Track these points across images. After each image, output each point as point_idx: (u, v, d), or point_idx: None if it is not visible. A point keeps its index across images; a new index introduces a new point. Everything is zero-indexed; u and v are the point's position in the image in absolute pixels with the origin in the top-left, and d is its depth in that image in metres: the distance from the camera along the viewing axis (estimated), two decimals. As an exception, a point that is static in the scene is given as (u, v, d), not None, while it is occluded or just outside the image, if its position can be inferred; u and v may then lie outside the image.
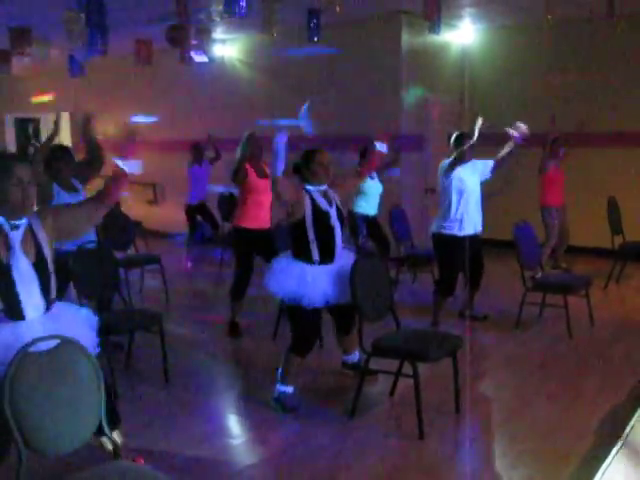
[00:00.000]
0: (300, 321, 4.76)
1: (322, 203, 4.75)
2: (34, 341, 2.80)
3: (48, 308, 3.22)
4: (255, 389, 5.23)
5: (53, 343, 2.87)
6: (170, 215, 11.64)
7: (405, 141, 9.39)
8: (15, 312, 3.07)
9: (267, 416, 4.71)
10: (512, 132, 6.14)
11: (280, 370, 4.84)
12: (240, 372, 5.85)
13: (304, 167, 4.82)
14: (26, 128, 15.47)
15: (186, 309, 7.71)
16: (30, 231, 3.19)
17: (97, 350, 3.32)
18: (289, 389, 4.79)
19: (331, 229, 4.76)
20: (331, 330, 5.29)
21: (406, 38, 9.60)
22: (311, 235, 4.70)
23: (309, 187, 4.79)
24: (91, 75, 10.54)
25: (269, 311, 6.52)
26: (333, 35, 8.90)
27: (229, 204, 9.30)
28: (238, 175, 6.24)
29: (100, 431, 2.93)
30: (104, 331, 3.82)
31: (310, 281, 4.68)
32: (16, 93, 15.00)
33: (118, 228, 7.62)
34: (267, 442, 4.39)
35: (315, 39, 7.85)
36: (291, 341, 4.81)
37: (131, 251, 8.19)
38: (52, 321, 3.16)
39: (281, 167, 4.51)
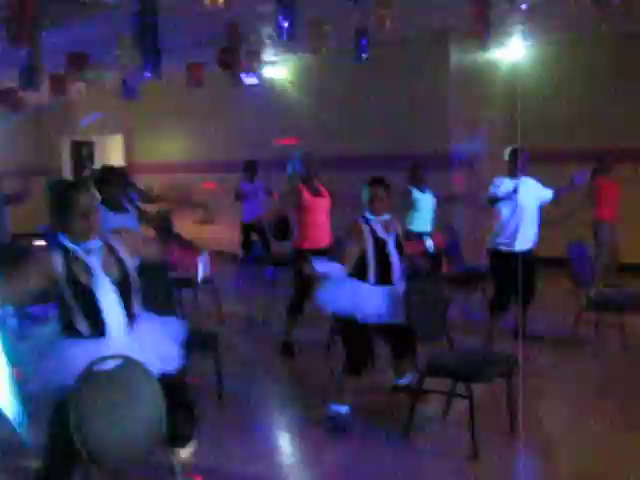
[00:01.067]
0: (352, 338, 4.78)
1: (380, 232, 4.87)
2: (99, 360, 2.91)
3: (130, 323, 3.28)
4: (309, 408, 5.24)
5: (119, 361, 2.97)
6: (223, 234, 11.77)
7: (454, 158, 9.36)
8: (98, 331, 3.15)
9: (321, 435, 4.71)
10: (575, 174, 6.21)
11: (335, 391, 4.86)
12: (294, 391, 5.87)
13: (367, 199, 4.94)
14: (80, 151, 15.82)
15: (239, 328, 7.77)
16: (109, 250, 3.28)
17: (180, 362, 3.39)
18: (343, 409, 4.79)
19: (388, 256, 4.85)
20: (382, 350, 5.29)
21: (455, 56, 9.60)
22: (369, 261, 4.80)
23: (369, 216, 4.92)
24: (144, 98, 10.75)
25: (323, 330, 6.53)
26: (381, 55, 8.93)
27: (281, 223, 9.34)
28: (291, 195, 6.30)
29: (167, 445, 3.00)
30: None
31: (362, 295, 4.73)
32: (71, 117, 15.37)
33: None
34: (322, 462, 4.40)
35: (363, 58, 7.88)
36: (344, 362, 4.82)
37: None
38: (133, 338, 3.23)
39: None
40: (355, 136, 10.07)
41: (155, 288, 5.37)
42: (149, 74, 7.63)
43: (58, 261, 3.13)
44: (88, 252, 3.21)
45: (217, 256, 10.67)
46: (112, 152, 14.97)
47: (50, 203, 3.28)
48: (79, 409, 2.79)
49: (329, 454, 4.48)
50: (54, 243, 3.19)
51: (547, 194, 6.54)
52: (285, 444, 4.82)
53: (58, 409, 2.97)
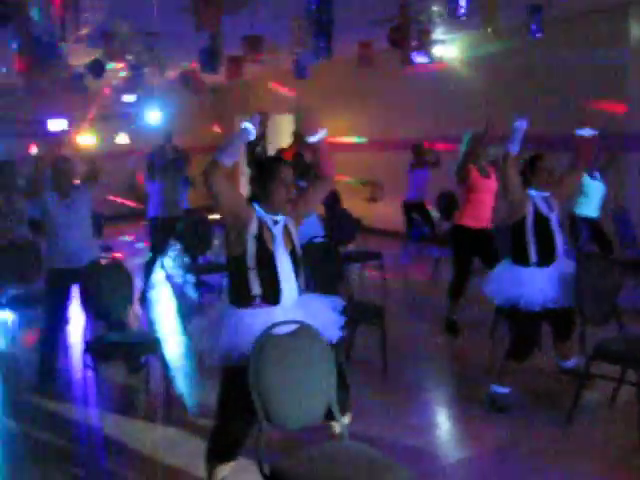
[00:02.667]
0: (519, 326, 4.75)
1: (543, 208, 4.77)
2: (276, 324, 3.12)
3: (299, 295, 3.50)
4: (470, 386, 5.28)
5: (293, 327, 3.18)
6: (388, 213, 11.88)
7: (631, 141, 8.90)
8: (273, 298, 3.37)
9: (480, 414, 4.74)
10: None
11: (497, 371, 4.86)
12: (455, 369, 5.92)
13: (529, 172, 4.83)
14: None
15: (403, 304, 7.88)
16: (286, 227, 3.51)
17: (339, 335, 3.56)
18: (505, 390, 4.78)
19: (551, 233, 4.76)
20: (547, 333, 5.20)
21: (636, 31, 9.08)
22: (530, 237, 4.71)
23: (532, 192, 4.80)
24: (314, 77, 11.01)
25: (487, 311, 6.50)
26: (554, 31, 8.63)
27: (449, 202, 9.36)
28: (460, 173, 6.32)
29: (329, 414, 3.17)
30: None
31: (526, 282, 4.67)
32: (244, 96, 16.02)
33: (340, 224, 7.95)
34: (479, 440, 4.43)
35: (537, 36, 7.66)
36: (509, 346, 4.81)
37: (352, 247, 8.49)
38: (301, 307, 3.44)
39: (516, 148, 4.63)
40: (526, 115, 9.81)
41: (324, 263, 5.61)
42: (321, 54, 7.84)
43: (254, 217, 3.39)
44: (275, 223, 3.44)
45: (381, 234, 10.85)
46: (284, 131, 15.47)
47: (254, 174, 3.55)
48: (258, 371, 3.00)
49: (487, 433, 4.50)
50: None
51: None
52: (445, 420, 4.90)
53: (235, 374, 3.19)
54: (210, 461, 3.46)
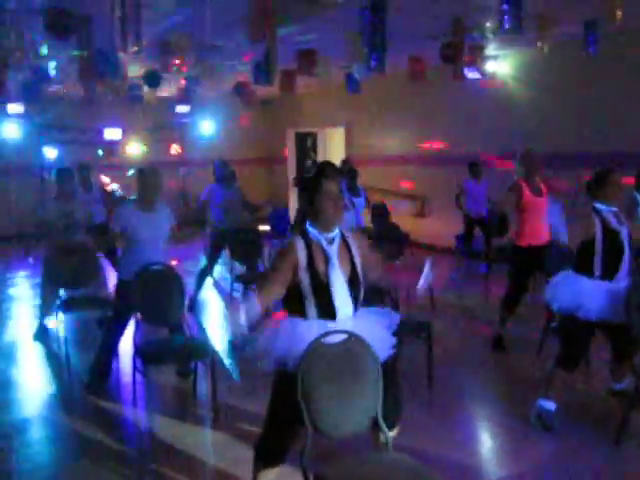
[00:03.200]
0: (571, 334, 4.73)
1: (612, 222, 4.74)
2: (327, 333, 3.17)
3: (355, 313, 3.48)
4: (515, 403, 5.24)
5: (344, 337, 3.22)
6: (436, 228, 11.86)
7: None
8: (328, 316, 3.37)
9: (525, 431, 4.71)
10: None
11: (545, 381, 4.85)
12: (501, 384, 5.88)
13: (595, 186, 4.82)
14: (305, 142, 16.59)
15: (451, 318, 7.85)
16: (344, 244, 3.49)
17: (393, 351, 3.56)
18: (551, 405, 4.74)
19: (620, 248, 4.71)
20: (597, 352, 5.15)
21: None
22: (598, 250, 4.68)
23: (600, 206, 4.78)
24: (365, 92, 11.08)
25: (535, 329, 6.45)
26: (610, 47, 8.52)
27: (500, 219, 9.36)
28: (511, 193, 6.29)
29: (374, 424, 3.19)
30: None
31: (587, 293, 4.64)
32: (297, 109, 16.16)
33: (389, 238, 7.98)
34: (522, 457, 4.40)
35: (592, 51, 7.61)
36: (558, 354, 4.79)
37: (400, 261, 8.50)
38: (355, 321, 3.43)
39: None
40: (579, 133, 9.71)
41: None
42: (374, 69, 7.90)
43: (301, 248, 3.37)
44: (329, 242, 3.42)
45: (430, 250, 10.80)
46: (334, 144, 15.58)
47: (301, 190, 3.52)
48: (307, 378, 3.05)
49: (530, 451, 4.47)
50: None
51: None
52: (488, 436, 4.87)
53: (287, 381, 3.21)
54: (256, 465, 3.52)
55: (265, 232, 9.25)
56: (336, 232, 3.46)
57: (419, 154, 12.91)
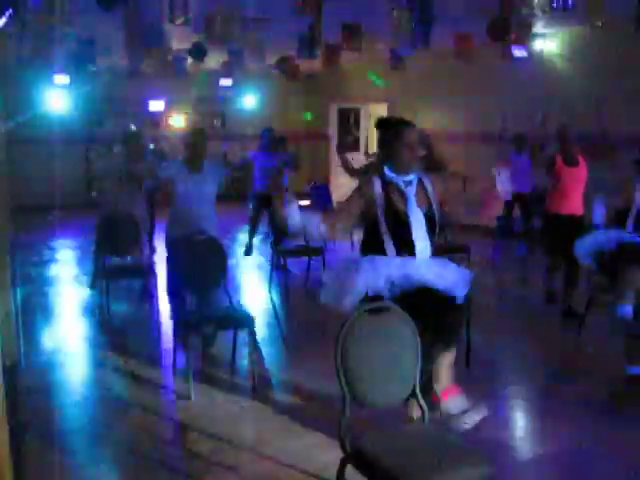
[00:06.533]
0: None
1: None
2: (368, 304, 3.24)
3: (432, 253, 3.64)
4: (554, 384, 5.24)
5: (385, 306, 3.24)
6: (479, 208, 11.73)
7: None
8: (408, 253, 3.52)
9: (562, 411, 4.69)
10: None
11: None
12: (540, 364, 5.83)
13: None
14: (347, 117, 16.53)
15: (490, 299, 7.81)
16: (422, 187, 3.64)
17: (462, 301, 3.67)
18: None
19: None
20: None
21: None
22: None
23: None
24: (410, 68, 10.99)
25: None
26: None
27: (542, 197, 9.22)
28: (547, 164, 6.79)
29: (412, 394, 3.20)
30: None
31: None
32: (341, 85, 16.07)
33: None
34: (558, 437, 4.35)
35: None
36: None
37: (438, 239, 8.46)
38: (435, 264, 3.58)
39: None
40: (628, 114, 9.52)
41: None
42: (419, 44, 7.86)
43: (378, 187, 3.52)
44: (406, 184, 3.57)
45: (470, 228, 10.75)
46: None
47: (380, 137, 3.69)
48: (345, 348, 3.05)
49: (568, 431, 4.42)
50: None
51: None
52: (525, 415, 4.84)
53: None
54: None
55: (305, 207, 9.27)
56: (413, 176, 3.61)
57: (463, 132, 12.78)
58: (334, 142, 16.18)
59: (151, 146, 12.63)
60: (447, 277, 3.56)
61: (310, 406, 4.80)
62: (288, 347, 6.09)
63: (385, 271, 3.43)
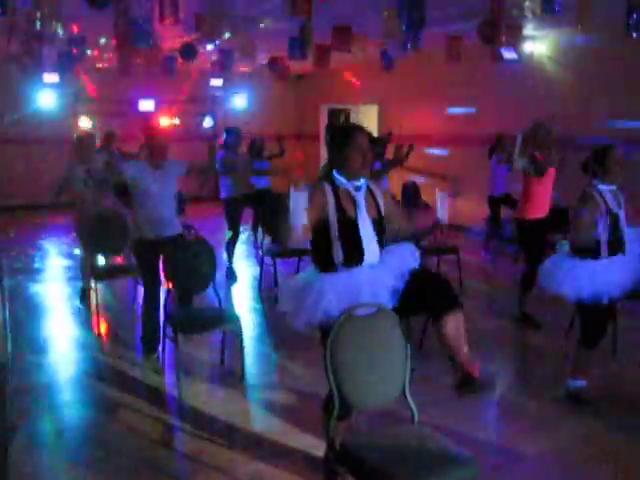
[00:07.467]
0: (589, 313, 4.68)
1: (611, 203, 4.67)
2: (355, 307, 3.18)
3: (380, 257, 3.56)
4: (543, 384, 5.24)
5: (373, 309, 3.23)
6: (467, 209, 11.78)
7: None
8: (356, 260, 3.45)
9: (553, 412, 4.71)
10: None
11: (571, 364, 4.84)
12: (530, 364, 5.86)
13: (596, 164, 4.74)
14: (338, 118, 16.53)
15: (479, 300, 7.83)
16: (370, 193, 3.59)
17: (419, 262, 3.60)
18: (581, 383, 4.74)
19: (619, 226, 4.67)
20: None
21: None
22: (602, 234, 4.62)
23: (600, 186, 4.71)
24: (400, 70, 11.00)
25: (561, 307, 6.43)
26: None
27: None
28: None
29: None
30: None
31: (602, 275, 4.59)
32: (330, 85, 16.08)
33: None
34: (550, 437, 4.38)
35: (634, 35, 7.46)
36: (580, 333, 4.77)
37: (428, 242, 8.48)
38: (381, 266, 3.49)
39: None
40: (615, 116, 9.57)
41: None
42: (410, 45, 7.85)
43: (329, 191, 3.47)
44: (356, 189, 3.52)
45: (459, 230, 10.75)
46: (366, 121, 15.49)
47: (330, 141, 3.60)
48: (334, 350, 3.06)
49: (560, 431, 4.45)
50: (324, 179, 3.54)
51: None
52: (517, 415, 4.83)
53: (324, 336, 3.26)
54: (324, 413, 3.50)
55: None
56: (362, 181, 3.56)
57: (452, 134, 12.81)
58: (324, 142, 16.17)
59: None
60: (397, 266, 3.47)
61: (302, 406, 4.81)
62: (279, 348, 6.09)
63: (334, 288, 3.35)
